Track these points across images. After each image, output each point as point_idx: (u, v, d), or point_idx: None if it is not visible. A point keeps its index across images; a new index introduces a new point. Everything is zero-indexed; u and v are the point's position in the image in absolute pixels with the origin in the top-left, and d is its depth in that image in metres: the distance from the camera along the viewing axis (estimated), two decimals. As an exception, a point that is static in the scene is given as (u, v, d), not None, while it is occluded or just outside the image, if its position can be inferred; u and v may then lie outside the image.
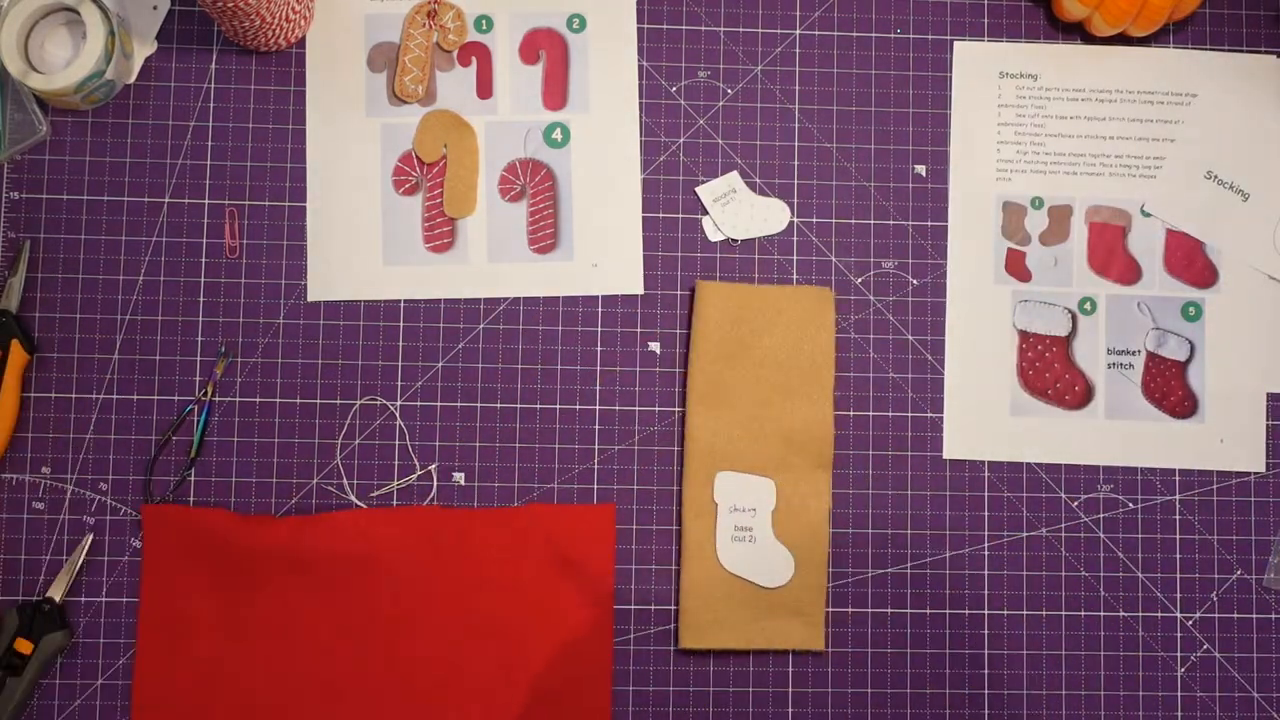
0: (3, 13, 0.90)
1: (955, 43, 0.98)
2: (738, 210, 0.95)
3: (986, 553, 0.94)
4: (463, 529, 0.91)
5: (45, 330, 0.92)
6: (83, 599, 0.90)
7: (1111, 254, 0.96)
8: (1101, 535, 0.94)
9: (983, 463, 0.95)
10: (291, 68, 0.95)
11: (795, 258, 0.95)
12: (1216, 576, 0.95)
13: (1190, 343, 0.96)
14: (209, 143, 0.94)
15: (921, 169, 0.96)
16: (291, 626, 0.90)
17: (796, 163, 0.96)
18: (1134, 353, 0.96)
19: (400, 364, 0.93)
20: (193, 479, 0.91)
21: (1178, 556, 0.95)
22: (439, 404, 0.93)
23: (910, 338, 0.95)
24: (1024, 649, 0.93)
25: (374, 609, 0.90)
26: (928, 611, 0.93)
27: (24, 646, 0.88)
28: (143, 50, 0.94)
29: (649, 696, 0.91)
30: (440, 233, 0.94)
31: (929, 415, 0.95)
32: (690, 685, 0.92)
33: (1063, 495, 0.95)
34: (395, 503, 0.92)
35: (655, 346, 0.94)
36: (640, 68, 0.96)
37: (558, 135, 0.95)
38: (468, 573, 0.91)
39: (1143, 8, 0.93)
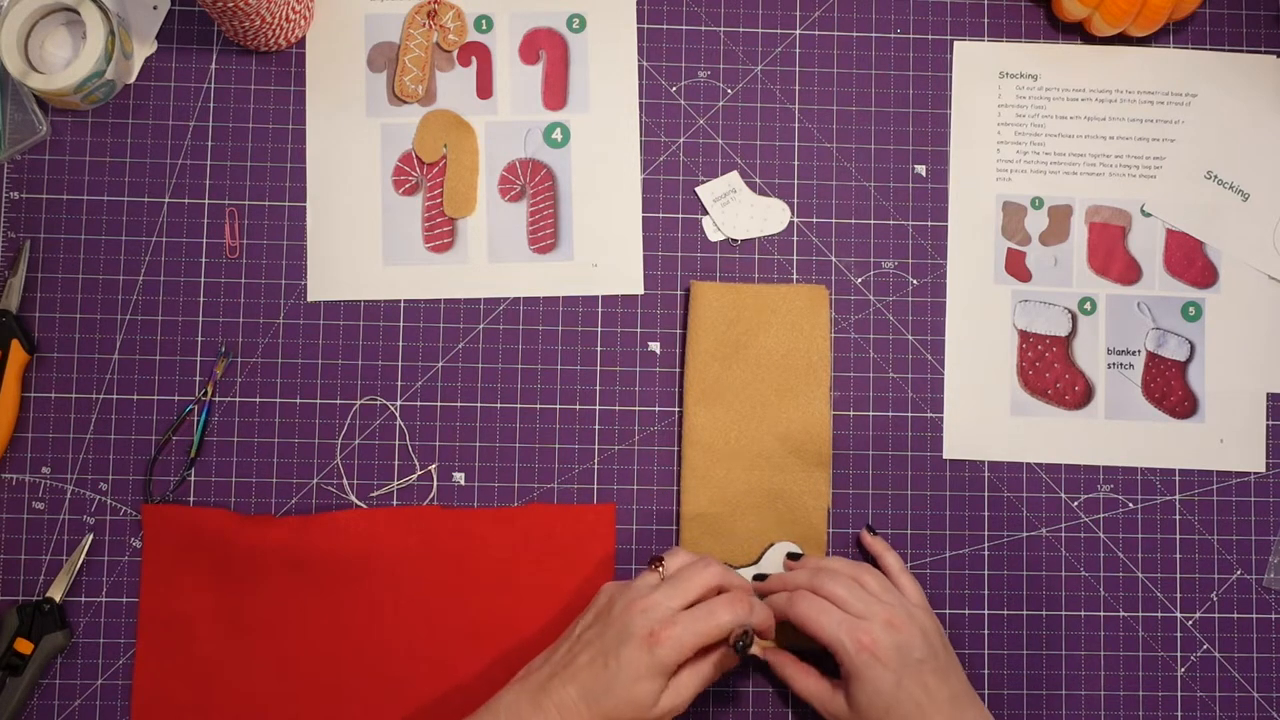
0: (3, 13, 0.90)
1: (955, 43, 0.97)
2: (738, 210, 0.95)
3: (986, 553, 0.94)
4: (463, 529, 0.91)
5: (45, 330, 0.92)
6: (83, 599, 0.90)
7: (1111, 254, 0.96)
8: (1101, 535, 0.94)
9: (983, 463, 0.94)
10: (291, 68, 0.95)
11: (795, 258, 0.95)
12: (1216, 576, 0.95)
13: (1190, 343, 0.96)
14: (209, 143, 0.94)
15: (921, 169, 0.96)
16: (291, 626, 0.90)
17: (796, 163, 0.96)
18: (1134, 353, 0.96)
19: (400, 364, 0.93)
20: (193, 479, 0.91)
21: (1178, 556, 0.95)
22: (439, 404, 0.93)
23: (910, 338, 0.95)
24: (1024, 649, 0.93)
25: (374, 608, 0.90)
26: (928, 611, 0.93)
27: (24, 646, 0.88)
28: (143, 50, 0.94)
29: (649, 696, 0.91)
30: (440, 233, 0.94)
31: (929, 415, 0.94)
32: (690, 685, 0.92)
33: (1063, 495, 0.95)
34: (395, 503, 0.92)
35: (655, 346, 0.94)
36: (640, 68, 0.96)
37: (558, 135, 0.95)
38: (468, 573, 0.91)
39: (1143, 8, 0.92)
